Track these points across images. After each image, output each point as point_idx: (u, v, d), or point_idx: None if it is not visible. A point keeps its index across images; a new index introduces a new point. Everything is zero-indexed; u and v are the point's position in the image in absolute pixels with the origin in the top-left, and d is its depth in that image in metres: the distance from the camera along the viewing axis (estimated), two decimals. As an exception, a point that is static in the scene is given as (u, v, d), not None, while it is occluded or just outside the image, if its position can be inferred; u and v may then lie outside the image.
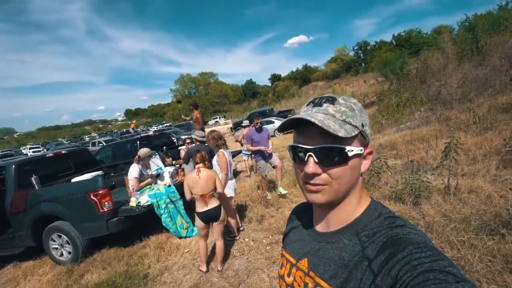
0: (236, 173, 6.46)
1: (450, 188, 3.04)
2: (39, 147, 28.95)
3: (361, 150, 0.51)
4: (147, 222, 3.95)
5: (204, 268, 2.86)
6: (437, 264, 0.38)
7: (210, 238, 3.11)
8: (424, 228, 2.54)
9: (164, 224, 3.68)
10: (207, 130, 6.09)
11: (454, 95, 7.53)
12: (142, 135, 8.77)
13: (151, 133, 9.19)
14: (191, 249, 3.40)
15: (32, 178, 3.68)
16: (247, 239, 3.35)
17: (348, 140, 0.50)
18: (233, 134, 5.94)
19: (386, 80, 17.03)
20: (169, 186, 4.01)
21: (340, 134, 0.47)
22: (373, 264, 0.45)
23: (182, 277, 2.86)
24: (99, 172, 4.72)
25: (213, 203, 2.72)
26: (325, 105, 0.52)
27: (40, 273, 3.53)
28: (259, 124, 4.64)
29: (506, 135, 3.98)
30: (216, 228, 2.79)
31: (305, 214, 0.68)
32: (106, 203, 3.36)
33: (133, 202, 3.63)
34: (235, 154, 5.81)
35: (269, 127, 13.12)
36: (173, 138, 8.23)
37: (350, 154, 0.49)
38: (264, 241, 3.23)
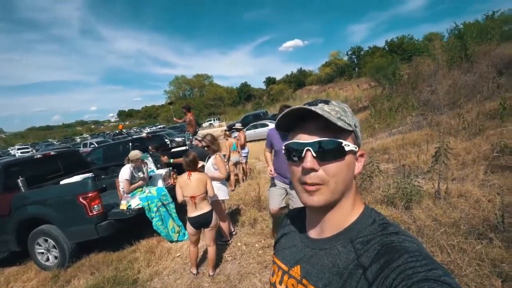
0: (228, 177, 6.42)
1: (440, 192, 3.08)
2: (28, 148, 28.20)
3: (355, 148, 0.52)
4: (137, 226, 3.87)
5: (194, 271, 2.83)
6: (432, 274, 0.38)
7: (202, 242, 3.07)
8: (415, 232, 2.57)
9: (155, 228, 3.61)
10: (202, 132, 6.04)
11: (444, 100, 7.71)
12: (134, 136, 8.67)
13: (144, 134, 9.09)
14: (183, 253, 3.34)
15: (18, 180, 3.58)
16: (239, 243, 3.32)
17: (344, 135, 0.51)
18: (226, 139, 5.82)
19: (378, 85, 17.33)
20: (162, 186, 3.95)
21: (339, 124, 0.48)
22: (368, 273, 0.44)
23: (172, 282, 2.80)
24: (89, 174, 4.62)
25: (204, 208, 2.68)
26: (320, 104, 0.53)
27: (24, 279, 3.41)
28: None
29: (493, 141, 4.08)
30: (208, 234, 2.75)
31: (297, 220, 0.66)
32: (95, 206, 3.29)
33: (123, 205, 3.56)
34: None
35: (263, 130, 13.17)
36: (166, 140, 8.15)
37: (346, 148, 0.50)
38: (256, 245, 3.21)
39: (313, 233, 0.59)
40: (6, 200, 3.46)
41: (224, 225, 3.34)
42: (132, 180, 3.73)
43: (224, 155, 5.53)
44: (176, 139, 12.97)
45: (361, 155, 0.55)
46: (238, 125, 6.63)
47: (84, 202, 3.24)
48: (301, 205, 0.71)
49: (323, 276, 0.51)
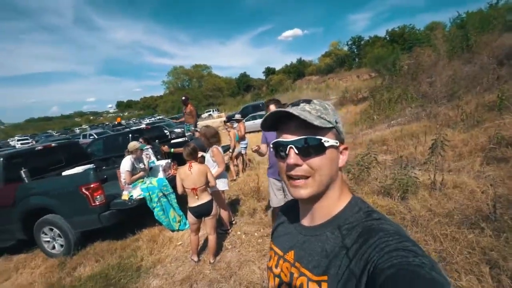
0: (227, 167, 6.48)
1: (436, 183, 3.15)
2: (27, 139, 28.15)
3: (336, 143, 0.56)
4: (140, 216, 3.96)
5: (195, 258, 2.93)
6: (402, 245, 0.44)
7: (203, 231, 3.16)
8: (409, 222, 2.65)
9: (156, 218, 3.70)
10: (201, 123, 6.04)
11: (443, 92, 7.70)
12: (133, 128, 8.67)
13: (143, 126, 9.09)
14: (184, 242, 3.44)
15: (21, 172, 3.63)
16: (239, 232, 3.42)
17: (324, 132, 0.55)
18: (227, 129, 5.82)
19: (378, 76, 17.20)
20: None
21: (315, 123, 0.52)
22: (350, 252, 0.50)
23: (174, 269, 2.91)
24: (91, 166, 4.68)
25: (205, 198, 2.75)
26: (302, 104, 0.58)
27: (32, 266, 3.52)
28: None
29: (491, 133, 4.12)
30: (208, 222, 2.83)
31: (292, 210, 0.72)
32: (98, 196, 3.35)
33: (125, 196, 3.63)
34: (225, 149, 5.81)
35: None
36: (165, 131, 8.16)
37: (326, 144, 0.54)
38: (255, 234, 3.30)
39: (305, 222, 0.64)
40: (9, 191, 3.52)
41: (224, 215, 3.42)
42: (133, 171, 3.78)
43: (228, 147, 5.58)
44: (176, 130, 12.97)
45: (345, 149, 0.60)
46: (237, 116, 6.63)
47: (87, 192, 3.31)
48: None
49: (313, 259, 0.56)
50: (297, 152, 0.54)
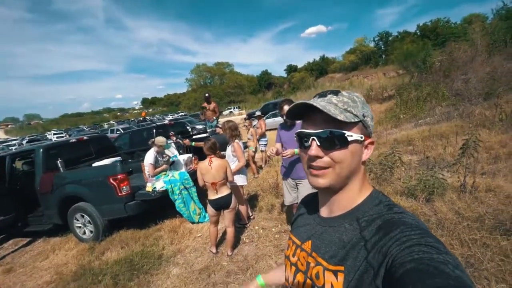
0: (248, 164, 6.54)
1: (466, 186, 2.95)
2: (62, 133, 30.50)
3: (361, 137, 0.55)
4: (162, 207, 4.14)
5: (214, 250, 3.02)
6: (424, 240, 0.43)
7: (221, 224, 3.23)
8: (434, 225, 2.51)
9: (177, 209, 3.84)
10: (222, 120, 6.14)
11: (479, 90, 7.13)
12: (158, 123, 9.02)
13: (166, 121, 9.44)
14: (203, 234, 3.55)
15: (58, 161, 3.95)
16: (256, 227, 3.45)
17: (348, 126, 0.54)
18: (246, 126, 5.86)
19: (406, 73, 16.29)
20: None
21: (339, 118, 0.52)
22: (368, 244, 0.49)
23: (193, 259, 3.01)
24: (118, 158, 4.96)
25: (224, 191, 2.82)
26: (329, 95, 0.57)
27: (66, 249, 3.84)
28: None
29: (533, 134, 3.77)
30: (227, 215, 2.90)
31: (312, 202, 0.73)
32: (124, 187, 3.56)
33: (149, 187, 3.81)
34: (244, 146, 5.87)
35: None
36: (187, 127, 8.41)
37: (349, 138, 0.53)
38: (273, 229, 3.32)
39: (324, 213, 0.64)
40: (49, 179, 3.85)
41: (243, 209, 3.47)
42: (156, 164, 3.96)
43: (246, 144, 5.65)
44: (197, 126, 13.32)
45: (371, 143, 0.59)
46: (258, 113, 6.67)
47: (114, 183, 3.52)
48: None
49: (330, 249, 0.56)
50: (319, 144, 0.55)
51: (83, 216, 3.84)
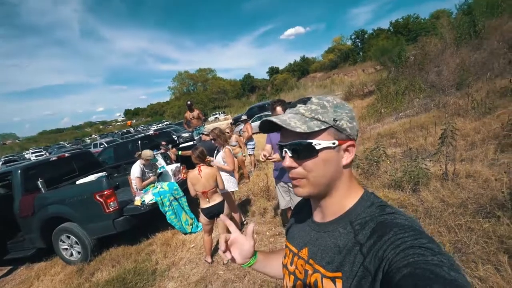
0: (240, 168, 6.51)
1: (448, 173, 3.09)
2: (41, 151, 29.09)
3: (333, 144, 0.54)
4: (152, 220, 4.03)
5: (209, 260, 2.97)
6: (417, 242, 0.43)
7: (215, 232, 3.19)
8: (422, 214, 2.60)
9: (169, 221, 3.76)
10: (208, 126, 6.10)
11: (451, 80, 7.51)
12: (144, 133, 8.82)
13: (151, 132, 9.25)
14: (197, 244, 3.49)
15: (38, 182, 3.76)
16: (250, 232, 3.43)
17: (315, 134, 0.54)
18: (228, 133, 5.87)
19: (384, 69, 16.91)
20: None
21: (298, 130, 0.52)
22: (364, 248, 0.49)
23: (189, 271, 2.95)
24: (103, 173, 4.80)
25: (216, 199, 2.79)
26: (298, 105, 0.58)
27: (52, 273, 3.64)
28: None
29: (504, 119, 4.00)
30: (220, 223, 2.87)
31: (306, 207, 0.72)
32: (111, 203, 3.44)
33: (137, 201, 3.71)
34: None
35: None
36: (173, 137, 8.28)
37: (317, 147, 0.53)
38: (267, 233, 3.31)
39: (317, 218, 0.64)
40: (29, 201, 3.66)
41: (235, 216, 3.45)
42: (143, 176, 3.86)
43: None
44: (183, 134, 13.14)
45: (351, 146, 0.57)
46: (244, 117, 6.67)
47: (101, 199, 3.40)
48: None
49: (326, 255, 0.56)
50: (290, 155, 0.56)
51: (69, 237, 3.67)
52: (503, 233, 2.01)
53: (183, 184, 4.08)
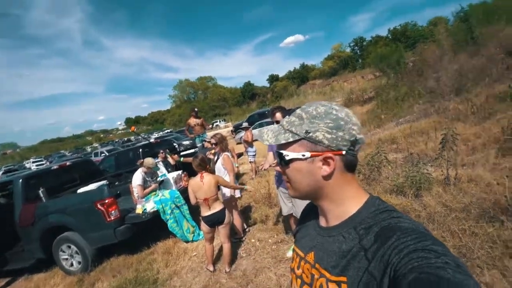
0: (238, 176, 6.51)
1: (450, 178, 3.08)
2: (42, 161, 29.17)
3: (303, 155, 0.55)
4: (154, 228, 4.00)
5: (211, 268, 2.93)
6: (421, 244, 0.42)
7: (217, 240, 3.17)
8: (425, 219, 2.58)
9: (170, 229, 3.73)
10: (210, 134, 6.11)
11: (450, 86, 7.57)
12: (143, 143, 8.85)
13: (152, 140, 9.28)
14: (199, 252, 3.45)
15: (40, 191, 3.76)
16: (252, 240, 3.40)
17: (287, 146, 0.59)
18: (234, 137, 5.88)
19: (383, 75, 17.07)
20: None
21: (266, 143, 0.61)
22: (368, 253, 0.49)
23: (191, 280, 2.91)
24: (104, 182, 4.80)
25: (217, 207, 2.78)
26: (286, 116, 0.64)
27: (51, 284, 3.59)
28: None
29: (504, 124, 4.01)
30: (222, 231, 2.85)
31: (312, 212, 0.72)
32: (112, 211, 3.43)
33: (139, 209, 3.70)
34: (237, 156, 5.86)
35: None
36: (174, 144, 8.30)
37: (287, 158, 0.58)
38: (269, 240, 3.28)
39: (322, 222, 0.65)
40: (29, 211, 3.64)
41: (237, 223, 3.43)
42: (144, 184, 3.86)
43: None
44: (184, 142, 13.17)
45: (329, 158, 0.55)
46: (245, 124, 6.71)
47: (102, 208, 3.38)
48: (303, 207, 0.80)
49: (332, 259, 0.56)
50: (278, 161, 0.62)
51: (69, 247, 3.63)
52: (508, 237, 1.99)
53: (184, 192, 4.07)
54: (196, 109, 6.92)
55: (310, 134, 0.55)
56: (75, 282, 3.41)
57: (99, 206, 3.38)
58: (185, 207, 3.98)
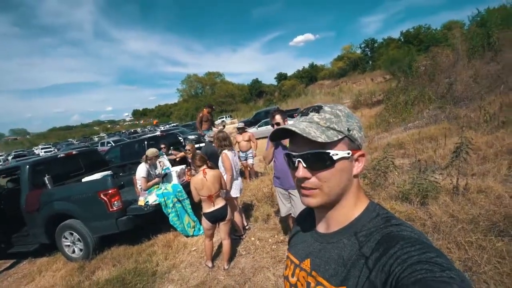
0: (242, 173, 6.46)
1: (459, 188, 2.99)
2: (50, 148, 29.74)
3: (348, 154, 0.53)
4: (155, 221, 4.03)
5: (210, 264, 2.93)
6: (425, 256, 0.41)
7: (217, 236, 3.16)
8: (430, 229, 2.52)
9: (171, 223, 3.74)
10: (215, 130, 6.07)
11: (463, 92, 7.38)
12: (149, 135, 8.91)
13: (158, 133, 9.34)
14: (198, 247, 3.46)
15: (45, 178, 3.81)
16: (253, 238, 3.39)
17: (332, 145, 0.53)
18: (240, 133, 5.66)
19: (393, 78, 16.78)
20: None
21: (319, 140, 0.50)
22: (369, 261, 0.47)
23: (189, 275, 2.92)
24: (108, 172, 4.84)
25: (220, 203, 2.77)
26: (311, 114, 0.56)
27: (53, 269, 3.66)
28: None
29: (518, 134, 3.89)
30: (223, 227, 2.84)
31: (309, 218, 0.70)
32: (115, 202, 3.46)
33: (141, 201, 3.71)
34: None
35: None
36: (180, 138, 8.32)
37: (335, 157, 0.52)
38: (269, 240, 3.26)
39: (321, 229, 0.62)
40: (35, 197, 3.70)
41: (238, 220, 3.41)
42: (148, 177, 3.87)
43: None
44: (189, 136, 13.22)
45: (362, 155, 0.57)
46: (240, 125, 5.98)
47: (105, 198, 3.41)
48: (302, 206, 0.76)
49: (330, 267, 0.54)
50: (305, 165, 0.54)
51: (72, 234, 3.69)
52: (517, 253, 1.92)
53: (187, 186, 4.07)
54: (213, 106, 6.89)
55: (351, 132, 0.55)
56: (76, 269, 3.46)
57: (102, 196, 3.41)
58: (187, 202, 3.98)
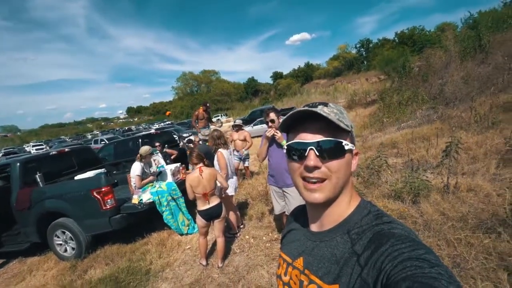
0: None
1: (449, 187, 3.06)
2: (42, 145, 29.15)
3: (353, 146, 0.56)
4: (149, 219, 4.00)
5: (204, 262, 2.93)
6: (415, 253, 0.42)
7: (211, 234, 3.16)
8: (421, 226, 2.57)
9: (165, 221, 3.73)
10: (212, 127, 6.03)
11: (456, 93, 7.51)
12: (144, 133, 8.82)
13: (152, 131, 9.26)
14: (192, 245, 3.45)
15: (37, 176, 3.75)
16: (247, 236, 3.40)
17: (343, 135, 0.55)
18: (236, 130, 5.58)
19: (388, 78, 16.96)
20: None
21: (342, 125, 0.52)
22: (361, 259, 0.48)
23: (183, 273, 2.92)
24: (102, 170, 4.79)
25: (215, 201, 2.77)
26: (320, 106, 0.55)
27: (44, 268, 3.61)
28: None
29: (507, 134, 3.98)
30: (217, 225, 2.84)
31: (301, 216, 0.71)
32: (109, 200, 3.42)
33: (135, 200, 3.69)
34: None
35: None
36: (174, 136, 8.27)
37: (346, 147, 0.54)
38: (264, 238, 3.28)
39: (314, 227, 0.63)
40: (26, 195, 3.64)
41: (233, 218, 3.42)
42: (143, 175, 3.85)
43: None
44: (184, 135, 13.14)
45: (356, 154, 0.59)
46: (238, 122, 5.72)
47: (98, 196, 3.38)
48: (297, 205, 0.76)
49: (323, 265, 0.55)
50: (317, 154, 0.52)
51: (64, 233, 3.64)
52: (504, 250, 1.98)
53: (181, 184, 4.06)
54: (208, 104, 6.89)
55: (352, 129, 0.57)
56: (68, 268, 3.42)
57: (95, 194, 3.37)
58: (182, 200, 3.97)
